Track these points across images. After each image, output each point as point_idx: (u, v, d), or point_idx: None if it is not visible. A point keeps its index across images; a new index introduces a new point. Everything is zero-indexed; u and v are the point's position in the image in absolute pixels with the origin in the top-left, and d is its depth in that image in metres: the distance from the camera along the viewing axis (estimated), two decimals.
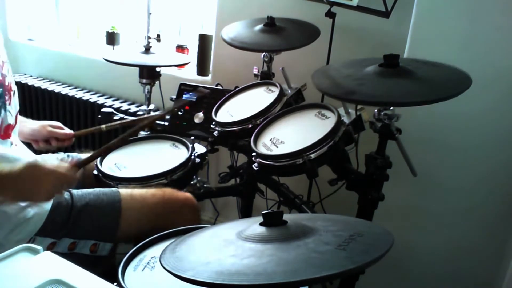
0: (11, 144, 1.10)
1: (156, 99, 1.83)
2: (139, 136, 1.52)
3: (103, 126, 1.43)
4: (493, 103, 1.32)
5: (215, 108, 1.44)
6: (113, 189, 1.19)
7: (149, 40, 1.72)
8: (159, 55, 1.73)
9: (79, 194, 1.15)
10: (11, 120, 1.10)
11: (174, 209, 1.18)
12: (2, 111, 1.06)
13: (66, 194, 1.13)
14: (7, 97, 1.08)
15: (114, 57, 1.64)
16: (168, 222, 1.10)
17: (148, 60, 1.67)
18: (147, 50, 1.71)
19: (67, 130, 1.37)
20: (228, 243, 0.64)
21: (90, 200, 1.13)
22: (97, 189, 1.18)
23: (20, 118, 1.23)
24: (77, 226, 1.10)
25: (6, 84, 1.09)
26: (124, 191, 1.18)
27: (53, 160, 1.00)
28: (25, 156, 1.14)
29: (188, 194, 1.24)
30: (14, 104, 1.13)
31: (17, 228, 1.04)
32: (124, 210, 1.13)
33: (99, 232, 1.12)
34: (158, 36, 1.76)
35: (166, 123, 1.80)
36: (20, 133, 1.23)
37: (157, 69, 1.76)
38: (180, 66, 2.01)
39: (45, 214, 1.07)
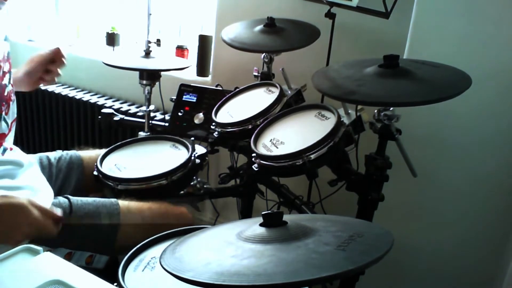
0: (4, 150, 1.09)
1: (156, 100, 1.84)
2: (139, 137, 1.52)
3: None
4: (492, 102, 1.32)
5: (215, 108, 1.44)
6: (113, 200, 1.17)
7: (149, 44, 1.73)
8: (159, 59, 1.73)
9: (79, 203, 1.13)
10: (5, 129, 1.09)
11: (169, 223, 1.16)
12: None
13: (65, 202, 1.12)
14: (4, 107, 1.07)
15: (114, 61, 1.64)
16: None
17: (148, 64, 1.67)
18: (147, 54, 1.72)
19: (53, 48, 1.27)
20: (228, 244, 0.64)
21: (89, 211, 1.11)
22: (97, 200, 1.16)
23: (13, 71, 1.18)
24: (74, 236, 1.07)
25: (5, 94, 1.08)
26: (122, 203, 1.17)
27: (41, 204, 0.92)
28: (21, 159, 1.13)
29: (183, 209, 1.24)
30: (11, 112, 1.12)
31: None
32: (122, 223, 1.13)
33: (96, 244, 1.11)
34: (158, 40, 1.77)
35: (166, 124, 1.80)
36: (16, 83, 1.18)
37: None
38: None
39: None
